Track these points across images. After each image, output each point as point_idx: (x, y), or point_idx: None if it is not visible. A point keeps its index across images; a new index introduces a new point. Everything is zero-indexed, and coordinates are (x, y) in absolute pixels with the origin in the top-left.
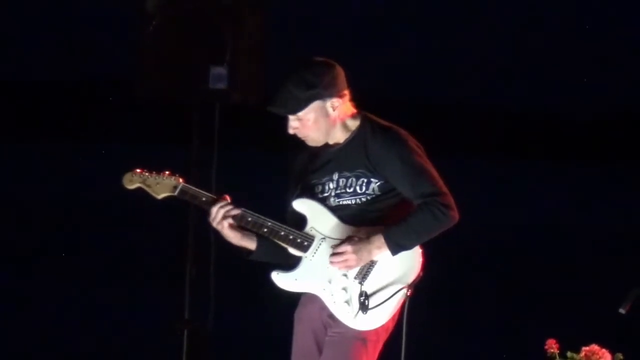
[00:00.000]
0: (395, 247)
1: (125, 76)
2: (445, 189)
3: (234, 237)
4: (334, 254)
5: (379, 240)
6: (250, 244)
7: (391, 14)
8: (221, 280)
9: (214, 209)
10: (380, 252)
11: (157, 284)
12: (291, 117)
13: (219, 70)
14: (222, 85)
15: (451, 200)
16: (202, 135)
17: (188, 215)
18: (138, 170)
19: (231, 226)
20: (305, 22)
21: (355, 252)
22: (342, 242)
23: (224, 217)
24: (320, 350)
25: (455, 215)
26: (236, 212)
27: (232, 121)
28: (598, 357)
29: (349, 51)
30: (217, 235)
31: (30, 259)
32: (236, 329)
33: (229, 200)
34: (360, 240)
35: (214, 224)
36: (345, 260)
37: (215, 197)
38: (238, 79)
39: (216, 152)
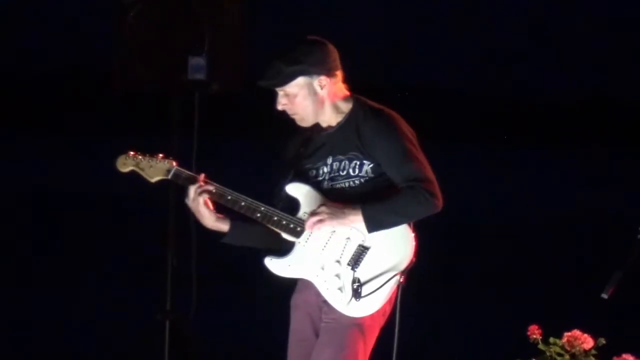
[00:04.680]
0: (372, 224)
1: (103, 67)
2: (432, 176)
3: (209, 218)
4: (309, 217)
5: (356, 214)
6: (224, 227)
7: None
8: (203, 270)
9: (191, 188)
10: (353, 224)
11: (138, 275)
12: (280, 93)
13: (198, 61)
14: (200, 76)
15: (436, 189)
16: (181, 124)
17: (168, 205)
18: (131, 153)
19: (206, 204)
20: (285, 10)
21: (329, 212)
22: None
23: (200, 194)
24: (317, 336)
25: (438, 203)
26: (211, 187)
27: (211, 110)
28: (580, 342)
29: (334, 40)
30: (198, 224)
31: (7, 250)
32: (219, 319)
33: (203, 180)
34: (335, 205)
35: (190, 202)
36: (318, 214)
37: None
38: (217, 69)
39: (196, 141)
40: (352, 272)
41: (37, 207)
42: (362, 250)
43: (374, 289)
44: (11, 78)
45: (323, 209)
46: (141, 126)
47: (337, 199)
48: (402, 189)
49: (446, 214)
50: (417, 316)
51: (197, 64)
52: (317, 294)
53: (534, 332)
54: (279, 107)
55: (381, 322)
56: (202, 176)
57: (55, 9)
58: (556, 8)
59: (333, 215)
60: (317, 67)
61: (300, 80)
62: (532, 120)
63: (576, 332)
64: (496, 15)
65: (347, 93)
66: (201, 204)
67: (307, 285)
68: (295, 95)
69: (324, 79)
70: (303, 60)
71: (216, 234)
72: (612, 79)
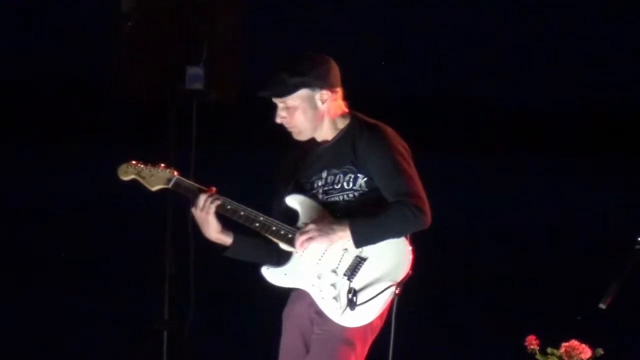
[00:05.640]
0: (360, 240)
1: (101, 75)
2: (422, 192)
3: (214, 230)
4: (298, 235)
5: (344, 229)
6: (227, 240)
7: (374, 10)
8: (201, 280)
9: (202, 197)
10: (341, 240)
11: (136, 284)
12: (280, 105)
13: (195, 71)
14: (198, 86)
15: (425, 205)
16: (179, 133)
17: (166, 215)
18: (133, 162)
19: (216, 214)
20: (282, 19)
21: (318, 229)
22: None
23: (212, 202)
24: (307, 348)
25: (427, 219)
26: (220, 201)
27: (209, 120)
28: (578, 352)
29: (329, 50)
30: (196, 234)
31: (4, 254)
32: (216, 329)
33: (215, 191)
34: (324, 222)
35: (198, 211)
36: (307, 232)
37: (205, 188)
38: (214, 78)
39: (194, 150)
40: (347, 282)
41: (34, 214)
42: (359, 261)
43: (369, 299)
44: (9, 86)
45: (312, 226)
46: (139, 135)
47: (331, 213)
48: (391, 204)
49: (444, 222)
50: (413, 325)
51: (195, 73)
52: (309, 305)
53: (532, 343)
54: (278, 120)
55: (374, 334)
56: (212, 189)
57: (54, 16)
58: (555, 11)
59: (322, 233)
60: (320, 80)
61: (303, 92)
62: (528, 126)
63: (574, 342)
64: (495, 20)
65: (346, 110)
66: (211, 213)
67: (300, 296)
68: (295, 108)
69: (325, 93)
70: (307, 72)
71: (214, 243)
72: (612, 82)
